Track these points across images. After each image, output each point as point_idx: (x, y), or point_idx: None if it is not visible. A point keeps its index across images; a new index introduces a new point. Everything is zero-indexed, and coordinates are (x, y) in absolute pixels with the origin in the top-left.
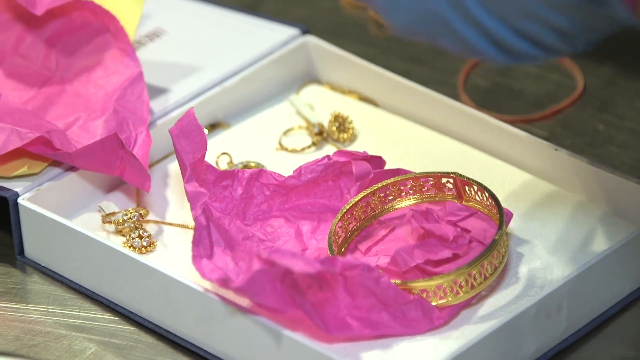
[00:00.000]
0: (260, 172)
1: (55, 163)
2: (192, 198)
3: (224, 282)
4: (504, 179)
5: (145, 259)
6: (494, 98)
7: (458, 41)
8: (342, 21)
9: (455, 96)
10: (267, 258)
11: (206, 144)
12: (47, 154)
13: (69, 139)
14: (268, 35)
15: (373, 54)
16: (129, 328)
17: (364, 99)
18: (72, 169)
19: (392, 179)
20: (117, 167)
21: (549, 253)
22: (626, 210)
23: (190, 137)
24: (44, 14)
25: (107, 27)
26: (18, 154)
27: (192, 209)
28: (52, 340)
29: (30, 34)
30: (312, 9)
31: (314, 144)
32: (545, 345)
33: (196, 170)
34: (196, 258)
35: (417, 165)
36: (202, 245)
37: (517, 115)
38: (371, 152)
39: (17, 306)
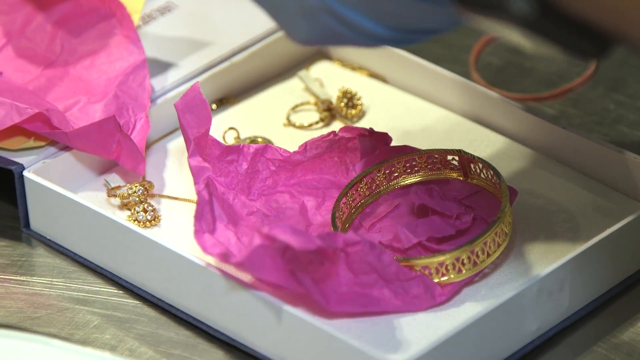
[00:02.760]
0: (265, 147)
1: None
2: (195, 172)
3: (225, 257)
4: (511, 156)
5: (148, 232)
6: (505, 76)
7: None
8: None
9: (466, 74)
10: (267, 234)
11: (210, 119)
12: (45, 133)
13: (67, 120)
14: None
15: None
16: (131, 302)
17: (374, 75)
18: (68, 148)
19: (398, 156)
20: (113, 150)
21: (554, 231)
22: (633, 189)
23: (195, 111)
24: None
25: (113, 13)
26: (15, 131)
27: (195, 183)
28: (55, 312)
29: (38, 17)
30: None
31: (322, 120)
32: (547, 323)
33: (200, 145)
34: (198, 232)
35: (424, 142)
36: (204, 219)
37: (527, 93)
38: (379, 129)
39: (21, 279)
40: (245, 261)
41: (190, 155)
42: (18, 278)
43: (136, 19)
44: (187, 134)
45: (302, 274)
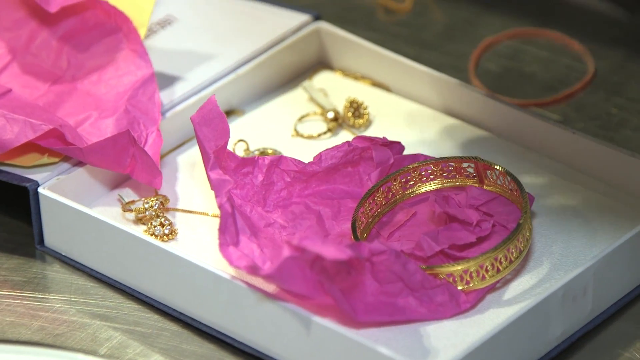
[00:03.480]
0: (280, 158)
1: (65, 158)
2: (216, 186)
3: (253, 269)
4: (521, 162)
5: (169, 246)
6: (505, 82)
7: None
8: (350, 7)
9: (466, 81)
10: (297, 245)
11: (229, 132)
12: (59, 149)
13: (80, 135)
14: (280, 22)
15: (382, 40)
16: (153, 316)
17: (377, 84)
18: (81, 163)
19: (413, 164)
20: (127, 164)
21: (571, 236)
22: None
23: (212, 124)
24: (57, 12)
25: (119, 28)
26: (30, 148)
27: (216, 196)
28: (76, 329)
29: (43, 32)
30: None
31: (329, 130)
32: (572, 327)
33: (219, 158)
34: (223, 246)
35: (432, 149)
36: (229, 232)
37: (529, 99)
38: (388, 138)
39: (40, 296)
40: (275, 273)
41: (210, 169)
42: (36, 295)
43: (143, 32)
44: (204, 147)
45: (330, 285)
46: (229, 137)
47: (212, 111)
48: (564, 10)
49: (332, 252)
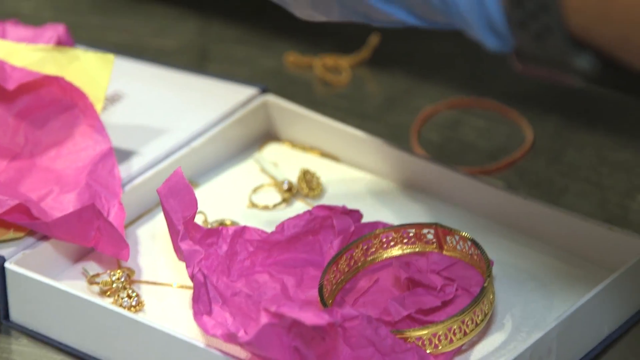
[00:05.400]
0: (244, 228)
1: (30, 232)
2: (187, 257)
3: (230, 337)
4: (474, 228)
5: (141, 317)
6: (447, 152)
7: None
8: (288, 81)
9: (409, 151)
10: (275, 311)
11: (196, 203)
12: (25, 223)
13: (44, 210)
14: (228, 95)
15: (323, 112)
16: None
17: (326, 154)
18: (46, 237)
19: (375, 231)
20: (92, 237)
21: (529, 299)
22: (599, 255)
23: (178, 196)
24: (13, 89)
25: (75, 104)
26: None
27: (187, 267)
28: None
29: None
30: (257, 70)
31: (284, 200)
32: None
33: (187, 229)
34: (197, 315)
35: (386, 217)
36: (202, 302)
37: (474, 166)
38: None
39: None
40: (253, 340)
41: (180, 240)
42: None
43: (99, 107)
44: (171, 219)
45: (307, 351)
46: (196, 208)
47: (178, 183)
48: (500, 79)
49: (310, 317)
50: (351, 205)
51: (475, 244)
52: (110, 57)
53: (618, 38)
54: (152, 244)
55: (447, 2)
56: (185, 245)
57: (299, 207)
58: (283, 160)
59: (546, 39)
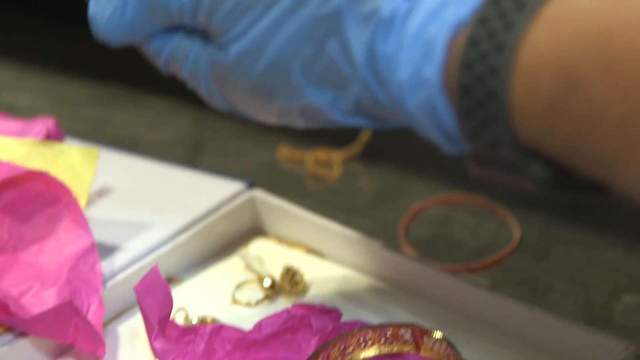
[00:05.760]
0: (221, 327)
1: (7, 328)
2: (161, 355)
3: None
4: (455, 328)
5: None
6: (435, 248)
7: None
8: (280, 175)
9: (397, 247)
10: None
11: (172, 301)
12: (3, 320)
13: (23, 306)
14: (215, 190)
15: (313, 206)
16: None
17: (311, 250)
18: (23, 333)
19: (352, 331)
20: (70, 334)
21: None
22: (580, 358)
23: (155, 294)
24: None
25: (60, 198)
26: None
27: None
28: None
29: None
30: (250, 164)
31: (267, 297)
32: None
33: (162, 327)
34: None
35: (368, 315)
36: None
37: (459, 264)
38: (325, 305)
39: None
40: None
41: (154, 338)
42: None
43: (83, 202)
44: (147, 317)
45: None
46: (172, 306)
47: (155, 281)
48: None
49: None
50: (334, 302)
51: (450, 345)
52: (95, 153)
53: (566, 149)
54: (133, 341)
55: (404, 111)
56: (158, 344)
57: (282, 304)
58: (269, 256)
59: (498, 148)
